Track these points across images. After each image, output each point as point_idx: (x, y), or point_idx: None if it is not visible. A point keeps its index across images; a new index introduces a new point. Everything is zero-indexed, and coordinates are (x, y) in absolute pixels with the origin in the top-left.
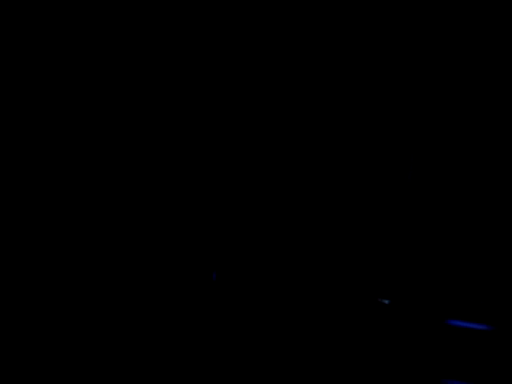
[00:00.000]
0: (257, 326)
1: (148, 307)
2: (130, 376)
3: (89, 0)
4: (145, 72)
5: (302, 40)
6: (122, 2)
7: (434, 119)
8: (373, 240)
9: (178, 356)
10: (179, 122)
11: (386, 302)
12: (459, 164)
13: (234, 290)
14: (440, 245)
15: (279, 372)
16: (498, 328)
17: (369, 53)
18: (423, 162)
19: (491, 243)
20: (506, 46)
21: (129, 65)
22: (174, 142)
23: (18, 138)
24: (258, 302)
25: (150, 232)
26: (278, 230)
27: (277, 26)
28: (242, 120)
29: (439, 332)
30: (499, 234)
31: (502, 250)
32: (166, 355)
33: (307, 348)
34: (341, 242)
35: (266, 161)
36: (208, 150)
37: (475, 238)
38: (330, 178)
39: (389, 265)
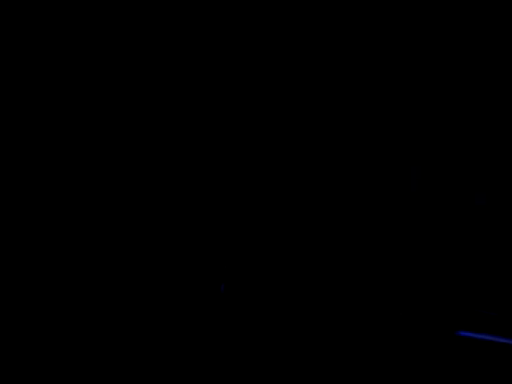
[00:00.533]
0: (266, 338)
1: (155, 319)
2: None
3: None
4: (149, 73)
5: (302, 41)
6: (123, 2)
7: (438, 125)
8: (387, 257)
9: (184, 367)
10: (186, 125)
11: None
12: (469, 170)
13: (242, 302)
14: (451, 257)
15: None
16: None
17: (369, 54)
18: (430, 172)
19: (506, 253)
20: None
21: (130, 66)
22: (179, 148)
23: (18, 139)
24: (267, 314)
25: (158, 244)
26: (288, 242)
27: (277, 27)
28: (256, 126)
29: (450, 344)
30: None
31: None
32: (173, 366)
33: (318, 360)
34: (356, 257)
35: (274, 172)
36: (216, 157)
37: (487, 249)
38: (343, 193)
39: (402, 278)
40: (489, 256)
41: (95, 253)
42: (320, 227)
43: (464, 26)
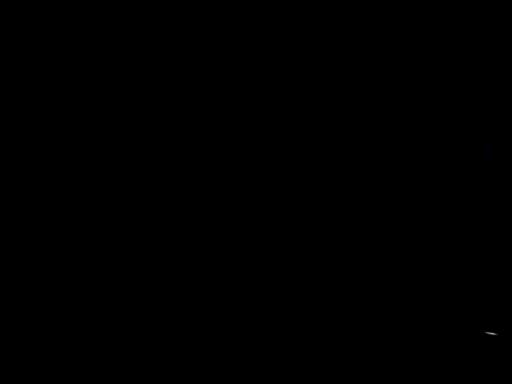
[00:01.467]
0: (336, 356)
1: (222, 331)
2: None
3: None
4: (154, 75)
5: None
6: (122, 2)
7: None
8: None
9: (256, 374)
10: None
11: (492, 334)
12: None
13: (310, 317)
14: None
15: None
16: None
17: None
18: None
19: None
20: None
21: (133, 65)
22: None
23: (18, 139)
24: (337, 331)
25: (226, 256)
26: (358, 257)
27: (277, 26)
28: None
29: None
30: None
31: None
32: (245, 374)
33: (387, 378)
34: (430, 273)
35: (340, 180)
36: (291, 159)
37: None
38: (406, 196)
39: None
40: None
41: (169, 270)
42: (390, 240)
43: None
